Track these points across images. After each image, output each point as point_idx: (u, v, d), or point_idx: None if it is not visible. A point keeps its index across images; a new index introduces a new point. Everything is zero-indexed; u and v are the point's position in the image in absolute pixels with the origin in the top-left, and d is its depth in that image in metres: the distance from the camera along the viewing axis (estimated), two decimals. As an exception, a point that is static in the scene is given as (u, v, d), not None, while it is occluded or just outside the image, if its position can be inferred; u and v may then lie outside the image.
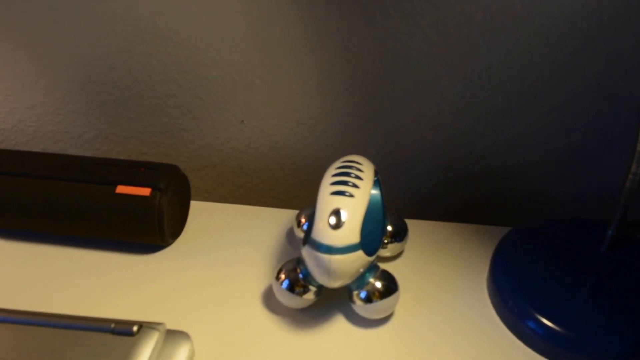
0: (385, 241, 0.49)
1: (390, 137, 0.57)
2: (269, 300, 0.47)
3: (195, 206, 0.56)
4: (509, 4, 0.48)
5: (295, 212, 0.56)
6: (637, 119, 0.42)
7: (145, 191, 0.48)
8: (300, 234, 0.51)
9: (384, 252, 0.50)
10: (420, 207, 0.62)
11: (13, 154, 0.53)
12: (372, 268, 0.45)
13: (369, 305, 0.44)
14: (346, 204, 0.41)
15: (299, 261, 0.45)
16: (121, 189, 0.48)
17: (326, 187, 0.43)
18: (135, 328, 0.39)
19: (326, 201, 0.42)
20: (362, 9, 0.50)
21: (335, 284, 0.43)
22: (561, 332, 0.43)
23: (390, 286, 0.45)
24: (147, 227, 0.49)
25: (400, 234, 0.50)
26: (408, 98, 0.55)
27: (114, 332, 0.39)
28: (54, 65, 0.57)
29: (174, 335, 0.41)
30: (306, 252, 0.43)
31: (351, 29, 0.51)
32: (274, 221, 0.55)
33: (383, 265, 0.50)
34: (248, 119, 0.57)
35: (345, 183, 0.42)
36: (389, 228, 0.49)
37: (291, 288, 0.45)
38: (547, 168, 0.58)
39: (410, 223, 0.55)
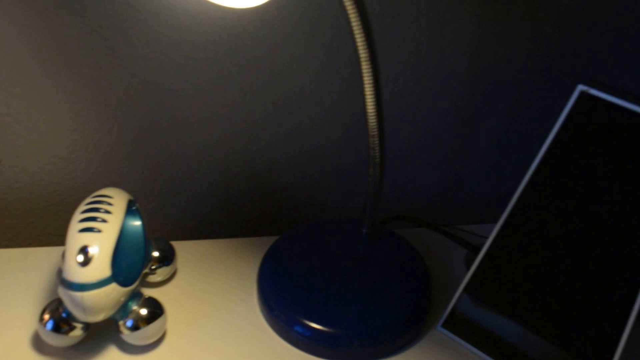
0: (153, 267, 0.52)
1: (159, 162, 0.60)
2: (40, 342, 0.48)
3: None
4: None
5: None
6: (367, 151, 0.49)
7: None
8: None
9: (154, 278, 0.52)
10: (200, 227, 0.66)
11: None
12: (135, 296, 0.47)
13: (136, 333, 0.46)
14: (93, 240, 0.43)
15: (61, 300, 0.46)
16: None
17: (74, 224, 0.44)
18: None
19: (74, 239, 0.43)
20: (105, 39, 0.52)
21: (95, 318, 0.45)
22: (323, 331, 0.49)
23: (156, 311, 0.47)
24: None
25: (167, 258, 0.53)
26: (169, 123, 0.58)
27: None
28: None
29: None
30: (61, 292, 0.44)
31: (97, 61, 0.53)
32: (47, 261, 0.55)
33: (154, 291, 0.52)
34: (6, 159, 0.56)
35: (93, 219, 0.44)
36: (155, 254, 0.52)
37: (56, 328, 0.45)
38: (323, 183, 0.65)
39: (182, 245, 0.58)
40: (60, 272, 0.53)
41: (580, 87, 0.47)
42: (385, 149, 0.52)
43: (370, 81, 0.44)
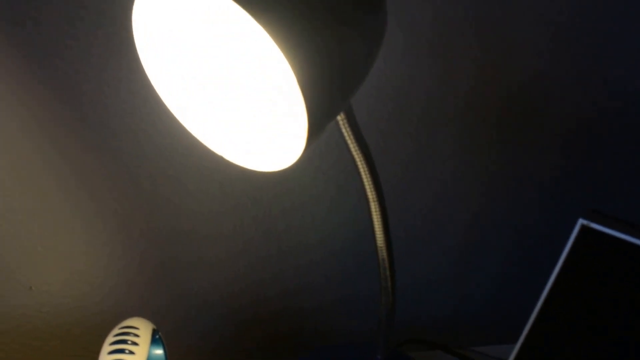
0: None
1: (178, 290, 0.64)
2: None
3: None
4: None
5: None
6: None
7: None
8: None
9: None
10: (216, 351, 0.69)
11: None
12: None
13: None
14: (122, 371, 0.47)
15: None
16: None
17: (104, 356, 0.48)
18: None
19: (104, 369, 0.47)
20: (129, 174, 0.58)
21: None
22: None
23: None
24: None
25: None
26: (188, 258, 0.63)
27: None
28: None
29: None
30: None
31: (123, 196, 0.59)
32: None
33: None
34: (36, 285, 0.61)
35: (121, 351, 0.48)
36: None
37: None
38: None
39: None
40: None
41: (582, 221, 0.52)
42: (396, 280, 0.56)
43: (379, 219, 0.49)
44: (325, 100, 0.34)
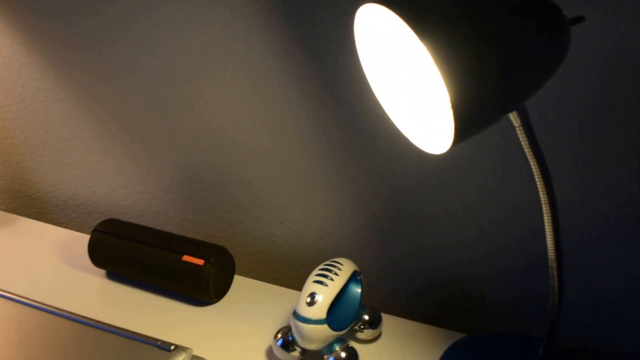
0: (362, 326, 0.71)
1: (392, 253, 0.80)
2: (270, 353, 0.70)
3: (240, 280, 0.82)
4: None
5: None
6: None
7: (200, 262, 0.75)
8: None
9: (360, 335, 0.71)
10: (405, 306, 0.83)
11: (127, 224, 0.83)
12: (341, 341, 0.66)
13: (333, 368, 0.66)
14: (320, 290, 0.64)
15: (290, 327, 0.68)
16: (186, 258, 0.75)
17: (312, 276, 0.66)
18: (172, 347, 0.64)
19: (309, 285, 0.65)
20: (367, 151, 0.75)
21: (308, 346, 0.65)
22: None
23: (352, 357, 0.66)
24: (199, 287, 0.75)
25: (374, 323, 0.71)
26: (412, 218, 0.78)
27: (159, 347, 0.65)
28: (161, 166, 0.87)
29: (196, 359, 0.65)
30: (291, 320, 0.66)
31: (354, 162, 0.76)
32: (291, 298, 0.79)
33: (360, 346, 0.71)
34: (286, 222, 0.83)
35: (325, 276, 0.66)
36: (366, 317, 0.71)
37: (284, 345, 0.67)
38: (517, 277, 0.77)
39: (390, 318, 0.75)
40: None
41: None
42: (563, 280, 0.63)
43: (549, 220, 0.57)
44: (475, 114, 0.46)
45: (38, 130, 0.96)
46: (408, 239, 0.79)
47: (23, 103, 0.95)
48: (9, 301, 0.72)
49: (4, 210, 1.10)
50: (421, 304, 0.83)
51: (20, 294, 0.77)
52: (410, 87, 0.53)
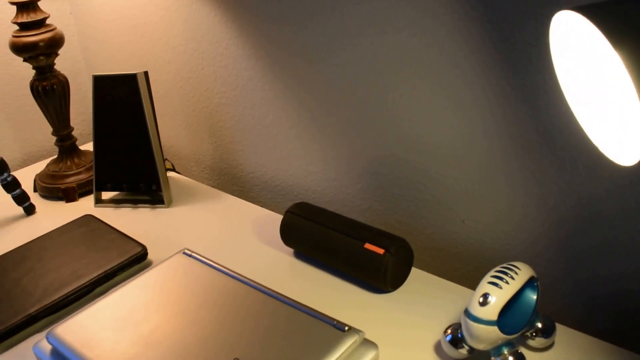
0: (534, 334, 0.71)
1: (572, 255, 0.78)
2: (439, 347, 0.73)
3: (417, 273, 0.85)
4: None
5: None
6: None
7: (381, 251, 0.79)
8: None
9: (531, 342, 0.71)
10: (581, 319, 0.80)
11: (317, 209, 0.91)
12: (510, 345, 0.67)
13: (500, 371, 0.67)
14: (494, 292, 0.66)
15: (461, 324, 0.70)
16: (367, 246, 0.81)
17: (487, 277, 0.68)
18: (346, 328, 0.70)
19: (483, 286, 0.67)
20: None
21: (476, 346, 0.67)
22: None
23: (521, 363, 0.67)
24: (377, 275, 0.80)
25: (547, 332, 0.71)
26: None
27: (334, 326, 0.71)
28: (353, 157, 0.94)
29: (368, 343, 0.71)
30: (462, 318, 0.68)
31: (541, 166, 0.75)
32: (465, 298, 0.81)
33: (529, 353, 0.71)
34: (468, 220, 0.84)
35: (500, 278, 0.67)
36: (539, 325, 0.71)
37: (453, 342, 0.70)
38: None
39: (564, 330, 0.74)
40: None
41: None
42: None
43: None
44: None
45: (247, 116, 1.08)
46: (592, 249, 0.77)
47: (236, 91, 1.07)
48: (210, 269, 0.83)
49: (212, 186, 1.25)
50: (599, 317, 0.80)
51: (219, 262, 0.88)
52: (604, 96, 0.52)
